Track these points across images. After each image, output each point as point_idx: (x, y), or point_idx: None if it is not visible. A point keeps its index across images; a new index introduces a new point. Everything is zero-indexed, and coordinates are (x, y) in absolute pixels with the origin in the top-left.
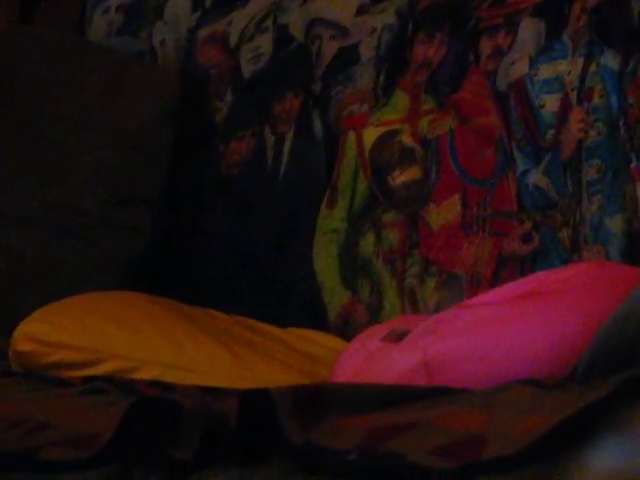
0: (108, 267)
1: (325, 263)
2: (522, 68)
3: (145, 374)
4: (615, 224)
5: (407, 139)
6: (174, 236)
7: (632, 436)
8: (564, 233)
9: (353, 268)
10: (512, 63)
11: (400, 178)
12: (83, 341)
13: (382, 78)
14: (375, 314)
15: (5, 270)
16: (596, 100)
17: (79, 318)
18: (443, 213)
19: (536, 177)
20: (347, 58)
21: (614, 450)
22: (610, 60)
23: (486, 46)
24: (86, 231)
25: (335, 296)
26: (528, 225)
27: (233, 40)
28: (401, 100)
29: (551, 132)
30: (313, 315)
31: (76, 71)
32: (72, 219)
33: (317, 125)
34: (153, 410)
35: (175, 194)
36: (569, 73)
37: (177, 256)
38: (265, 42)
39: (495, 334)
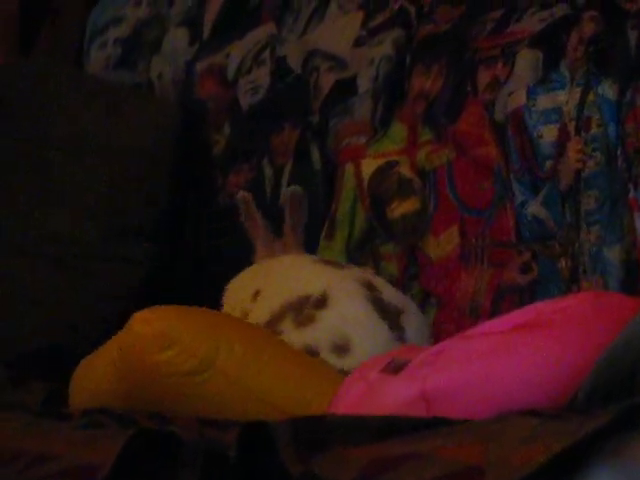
0: (107, 298)
1: None
2: (520, 99)
3: None
4: (614, 254)
5: (405, 170)
6: (175, 266)
7: (625, 467)
8: (563, 263)
9: None
10: (510, 94)
11: (398, 210)
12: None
13: (380, 109)
14: None
15: (5, 299)
16: (594, 130)
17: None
18: (442, 244)
19: (534, 208)
20: (345, 90)
21: None
22: (608, 90)
23: (484, 77)
24: (85, 262)
25: None
26: (527, 256)
27: (231, 73)
28: (399, 131)
29: (549, 162)
30: None
31: (74, 100)
32: (71, 250)
33: (315, 157)
34: (153, 442)
35: (176, 224)
36: (567, 103)
37: (178, 285)
38: (263, 74)
39: (493, 365)
